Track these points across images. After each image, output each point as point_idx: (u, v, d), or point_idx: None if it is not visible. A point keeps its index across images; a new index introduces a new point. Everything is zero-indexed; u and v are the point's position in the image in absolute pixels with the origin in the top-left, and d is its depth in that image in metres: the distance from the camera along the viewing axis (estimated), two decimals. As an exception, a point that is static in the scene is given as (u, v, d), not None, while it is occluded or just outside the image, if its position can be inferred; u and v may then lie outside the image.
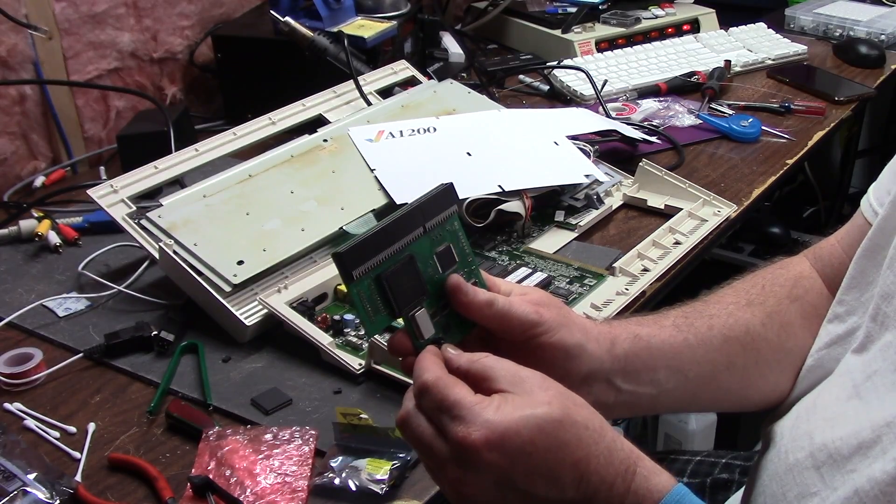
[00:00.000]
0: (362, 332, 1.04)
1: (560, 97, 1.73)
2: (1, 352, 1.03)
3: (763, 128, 1.56)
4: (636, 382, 0.78)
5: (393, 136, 1.30)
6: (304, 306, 1.06)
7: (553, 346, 0.72)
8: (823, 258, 0.90)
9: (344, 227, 1.16)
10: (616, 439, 0.64)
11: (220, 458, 0.87)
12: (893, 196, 0.78)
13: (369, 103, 1.41)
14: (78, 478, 0.88)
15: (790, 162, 1.47)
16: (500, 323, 0.70)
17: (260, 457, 0.87)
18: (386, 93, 1.47)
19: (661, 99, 1.68)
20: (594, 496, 0.62)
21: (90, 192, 1.16)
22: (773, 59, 1.86)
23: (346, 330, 1.04)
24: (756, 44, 1.91)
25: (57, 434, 0.94)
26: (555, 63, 1.80)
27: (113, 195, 1.16)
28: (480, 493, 0.62)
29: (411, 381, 0.67)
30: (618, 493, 0.62)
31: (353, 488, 0.84)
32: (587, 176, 1.29)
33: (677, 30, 1.98)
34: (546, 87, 1.76)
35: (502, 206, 1.20)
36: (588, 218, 1.26)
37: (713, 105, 1.65)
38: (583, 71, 1.68)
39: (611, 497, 0.62)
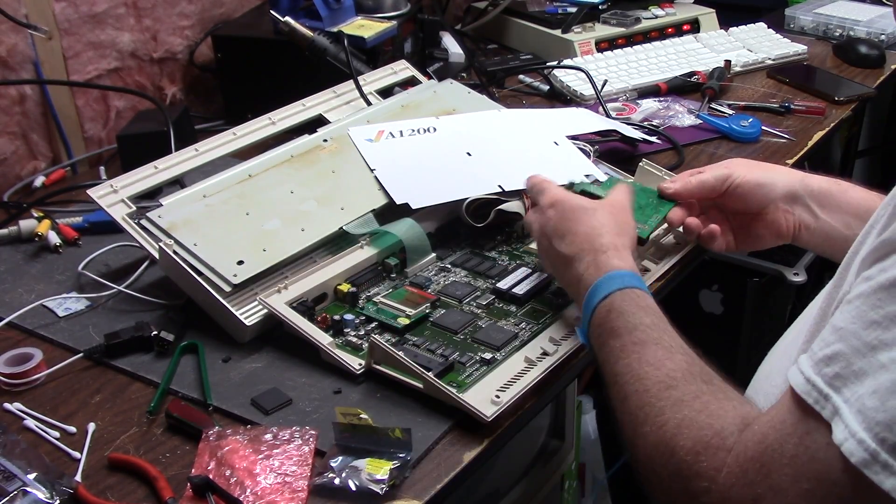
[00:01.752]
0: (362, 332, 1.04)
1: (560, 97, 1.73)
2: (1, 352, 1.04)
3: (763, 128, 1.56)
4: (829, 214, 1.05)
5: (393, 136, 1.30)
6: (304, 306, 1.06)
7: (746, 182, 1.08)
8: None
9: (344, 228, 1.16)
10: (609, 242, 0.95)
11: (220, 458, 0.87)
12: None
13: (369, 103, 1.41)
14: (78, 478, 0.88)
15: (790, 162, 1.47)
16: (701, 190, 1.11)
17: (260, 457, 0.87)
18: (386, 93, 1.47)
19: (661, 99, 1.68)
20: (577, 254, 0.96)
21: (90, 192, 1.16)
22: (773, 59, 1.86)
23: (346, 330, 1.04)
24: (756, 44, 1.91)
25: (57, 434, 0.94)
26: (555, 63, 1.80)
27: (113, 195, 1.16)
28: (542, 236, 1.03)
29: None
30: (588, 259, 0.94)
31: (353, 488, 0.84)
32: (587, 176, 1.29)
33: (677, 30, 1.98)
34: (546, 87, 1.76)
35: (502, 206, 1.20)
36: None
37: (713, 105, 1.65)
38: (583, 71, 1.68)
39: (582, 259, 0.95)
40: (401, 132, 1.31)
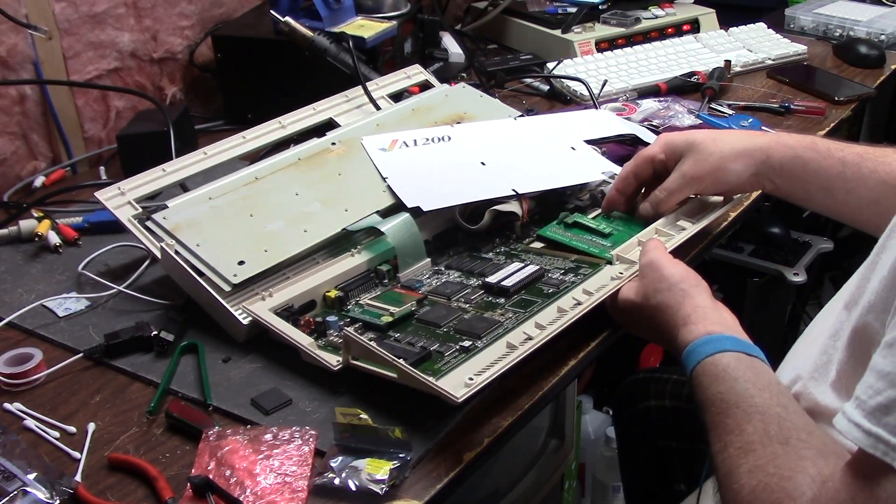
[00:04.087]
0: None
1: (560, 97, 1.73)
2: (1, 352, 1.04)
3: (763, 128, 1.55)
4: (789, 185, 1.11)
5: (406, 146, 1.29)
6: (289, 312, 1.05)
7: (704, 176, 1.12)
8: None
9: (347, 228, 1.16)
10: (669, 322, 0.95)
11: (220, 458, 0.87)
12: None
13: (378, 107, 1.40)
14: (78, 478, 0.88)
15: (790, 162, 1.47)
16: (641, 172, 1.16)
17: (260, 457, 0.87)
18: (398, 97, 1.46)
19: (661, 99, 1.68)
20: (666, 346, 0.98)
21: (97, 194, 1.16)
22: (773, 59, 1.86)
23: (328, 331, 1.03)
24: (756, 44, 1.91)
25: (57, 434, 0.94)
26: (553, 67, 1.78)
27: (120, 197, 1.16)
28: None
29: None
30: (673, 346, 0.95)
31: (353, 488, 0.84)
32: (605, 173, 1.27)
33: (677, 30, 1.98)
34: (546, 88, 1.76)
35: (497, 207, 1.19)
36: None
37: (713, 105, 1.65)
38: (581, 81, 1.66)
39: (670, 328, 0.95)
40: (414, 141, 1.30)
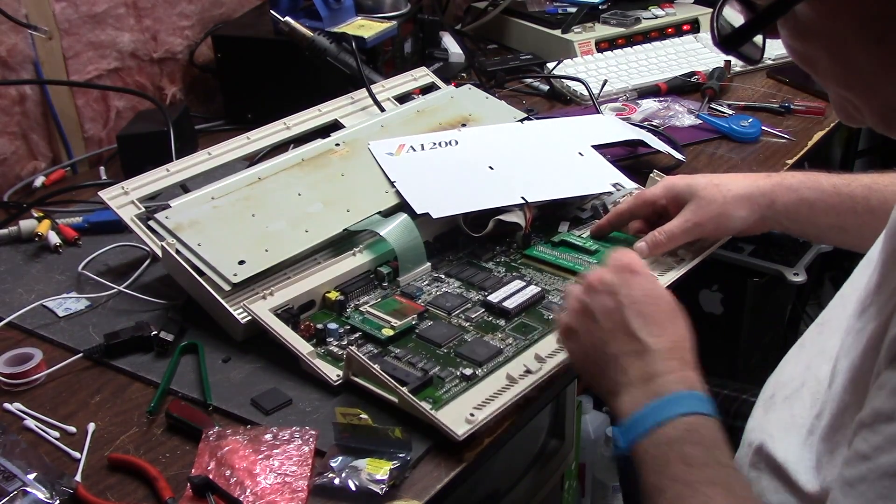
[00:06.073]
0: (345, 343, 1.02)
1: (560, 97, 1.73)
2: (1, 352, 1.04)
3: (763, 128, 1.56)
4: (799, 227, 1.10)
5: (414, 150, 1.28)
6: (289, 313, 1.04)
7: (706, 223, 1.10)
8: None
9: (348, 229, 1.16)
10: (657, 368, 0.82)
11: (220, 458, 0.88)
12: None
13: (382, 109, 1.40)
14: (78, 478, 0.88)
15: (790, 162, 1.47)
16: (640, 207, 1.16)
17: (260, 457, 0.87)
18: (404, 99, 1.46)
19: (661, 99, 1.68)
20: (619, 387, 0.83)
21: (101, 193, 1.16)
22: (773, 59, 1.86)
23: (328, 339, 1.02)
24: (756, 44, 1.91)
25: (57, 434, 0.94)
26: (553, 68, 1.78)
27: (123, 197, 1.16)
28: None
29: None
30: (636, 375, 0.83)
31: (353, 488, 0.84)
32: (615, 185, 1.26)
33: (677, 30, 1.98)
34: (546, 88, 1.76)
35: (501, 216, 1.18)
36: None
37: (713, 105, 1.65)
38: (581, 81, 1.66)
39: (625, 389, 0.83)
40: (422, 145, 1.29)
